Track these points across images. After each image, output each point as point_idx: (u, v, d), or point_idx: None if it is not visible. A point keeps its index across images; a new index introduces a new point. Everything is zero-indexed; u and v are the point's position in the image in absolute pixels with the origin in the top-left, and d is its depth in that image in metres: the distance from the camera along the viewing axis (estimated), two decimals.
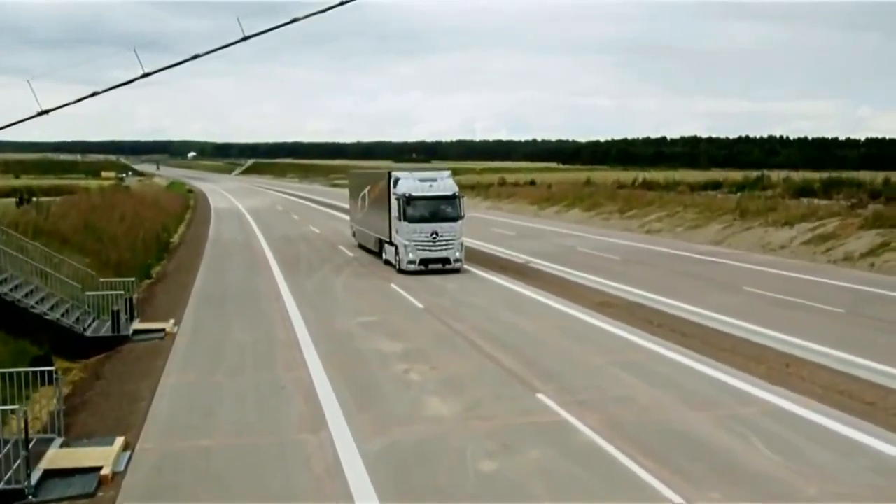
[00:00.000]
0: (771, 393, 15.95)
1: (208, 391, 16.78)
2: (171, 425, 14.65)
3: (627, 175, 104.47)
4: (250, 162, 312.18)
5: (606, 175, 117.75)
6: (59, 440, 13.58)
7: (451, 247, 32.41)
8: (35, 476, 11.94)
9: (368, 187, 40.34)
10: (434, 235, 32.17)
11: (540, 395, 16.09)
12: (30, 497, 11.63)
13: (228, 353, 20.10)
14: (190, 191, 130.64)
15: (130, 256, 37.75)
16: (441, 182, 33.42)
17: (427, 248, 32.19)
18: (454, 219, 32.66)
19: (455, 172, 38.11)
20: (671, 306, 26.69)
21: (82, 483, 11.96)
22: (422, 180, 33.44)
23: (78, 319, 22.42)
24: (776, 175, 76.73)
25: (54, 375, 14.22)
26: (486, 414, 14.88)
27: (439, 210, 32.72)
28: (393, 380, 17.36)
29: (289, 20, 18.95)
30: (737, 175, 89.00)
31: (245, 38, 18.57)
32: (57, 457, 12.83)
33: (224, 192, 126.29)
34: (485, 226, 56.03)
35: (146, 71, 18.74)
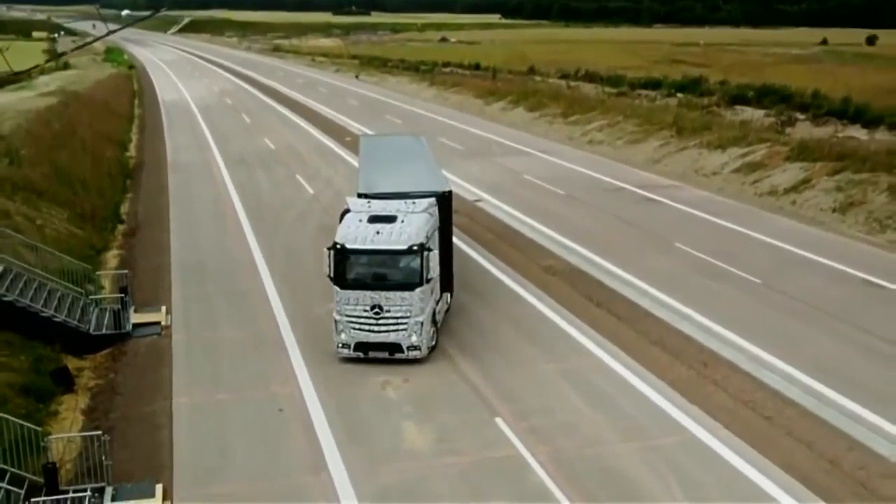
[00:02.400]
0: (689, 417, 19.39)
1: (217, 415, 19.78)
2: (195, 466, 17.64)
3: (568, 35, 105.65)
4: (186, 20, 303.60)
5: (548, 50, 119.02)
6: (109, 490, 16.52)
7: (402, 327, 21.51)
8: None
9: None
10: (376, 311, 21.78)
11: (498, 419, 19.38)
12: None
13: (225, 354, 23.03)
14: (131, 66, 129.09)
15: (102, 203, 39.75)
16: (399, 227, 21.86)
17: (366, 327, 21.61)
18: (411, 286, 21.37)
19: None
20: (609, 275, 29.97)
21: None
22: (373, 220, 22.20)
23: (81, 316, 24.94)
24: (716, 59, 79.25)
25: (101, 439, 16.87)
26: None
27: (387, 272, 21.70)
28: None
29: None
30: (677, 34, 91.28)
31: None
32: None
33: (166, 70, 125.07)
34: (432, 134, 58.01)
35: None
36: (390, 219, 22.18)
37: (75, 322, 24.32)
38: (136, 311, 26.12)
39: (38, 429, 17.33)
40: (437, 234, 23.19)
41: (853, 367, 22.24)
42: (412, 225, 21.92)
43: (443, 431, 18.82)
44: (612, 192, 43.69)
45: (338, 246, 21.65)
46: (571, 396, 20.56)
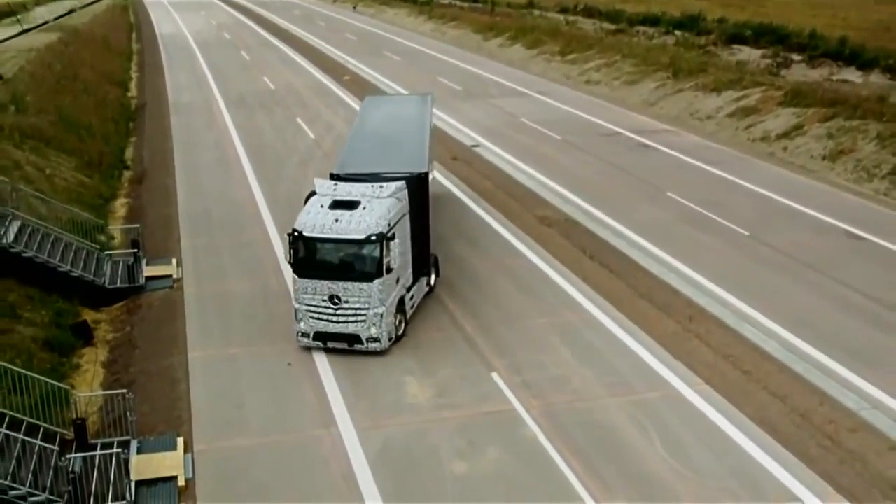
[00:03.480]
0: (673, 372, 20.73)
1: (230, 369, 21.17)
2: (213, 419, 19.01)
3: None
4: None
5: None
6: (134, 444, 17.91)
7: (361, 319, 20.96)
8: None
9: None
10: (334, 301, 21.24)
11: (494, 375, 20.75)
12: None
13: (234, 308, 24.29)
14: None
15: (108, 149, 40.66)
16: (360, 215, 21.03)
17: (324, 317, 21.10)
18: (369, 276, 20.73)
19: None
20: (602, 225, 31.14)
21: (168, 494, 16.47)
22: (334, 205, 21.44)
23: (96, 269, 26.13)
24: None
25: (126, 396, 18.19)
26: None
27: (345, 262, 21.06)
28: None
29: None
30: None
31: None
32: (139, 464, 17.22)
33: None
34: (430, 71, 58.53)
35: None
36: (352, 205, 21.31)
37: (91, 276, 25.52)
38: (147, 264, 27.24)
39: (67, 387, 18.56)
40: (406, 219, 22.29)
41: (830, 322, 23.52)
42: (374, 212, 20.97)
43: (442, 387, 20.14)
44: (608, 136, 44.54)
45: (295, 233, 20.92)
46: (562, 351, 21.85)
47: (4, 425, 16.99)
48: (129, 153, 43.27)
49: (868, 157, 38.25)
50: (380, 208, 21.24)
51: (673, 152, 41.03)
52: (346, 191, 22.22)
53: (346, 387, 20.27)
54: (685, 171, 38.06)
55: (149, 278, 26.40)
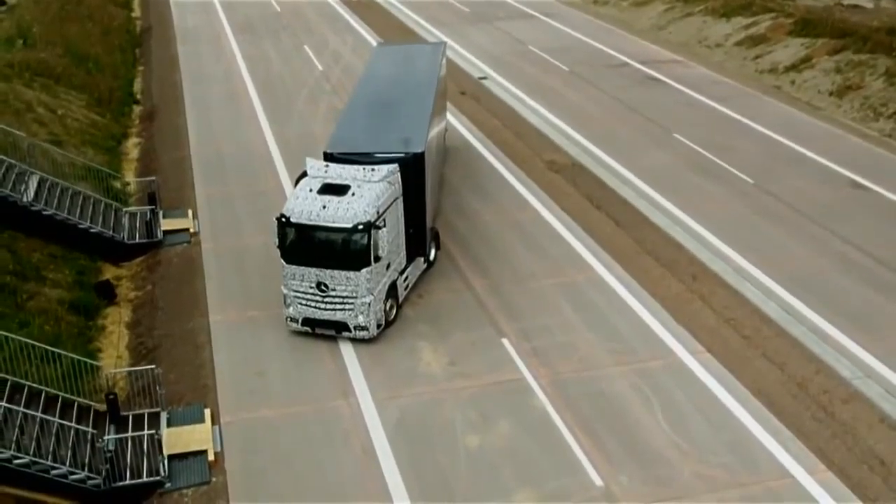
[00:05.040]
0: (675, 339, 21.59)
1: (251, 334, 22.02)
2: (237, 388, 19.99)
3: None
4: None
5: None
6: (164, 416, 18.93)
7: (348, 307, 20.83)
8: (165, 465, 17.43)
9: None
10: (322, 288, 21.22)
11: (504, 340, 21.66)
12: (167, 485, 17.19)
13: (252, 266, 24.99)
14: None
15: (116, 84, 40.84)
16: (348, 202, 20.60)
17: (312, 303, 21.00)
18: (356, 265, 20.44)
19: None
20: (609, 171, 31.74)
21: (199, 469, 17.55)
22: (323, 190, 21.01)
23: (115, 225, 26.81)
24: None
25: (155, 372, 19.10)
26: None
27: (332, 250, 20.60)
28: None
29: None
30: None
31: None
32: (170, 438, 18.26)
33: None
34: None
35: None
36: (342, 190, 20.84)
37: (110, 232, 26.23)
38: (164, 216, 27.88)
39: (98, 364, 19.48)
40: (399, 202, 21.93)
41: (829, 282, 24.31)
42: (363, 199, 20.51)
43: (455, 353, 21.02)
44: (616, 68, 44.54)
45: (283, 219, 20.57)
46: (569, 314, 22.69)
47: (41, 402, 17.93)
48: (137, 85, 43.37)
49: (875, 94, 38.44)
50: (369, 195, 20.78)
51: (681, 87, 41.13)
52: (337, 173, 21.65)
53: (362, 353, 21.14)
54: (692, 109, 38.30)
55: (166, 232, 27.05)
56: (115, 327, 23.32)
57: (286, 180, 30.62)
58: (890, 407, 19.37)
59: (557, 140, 34.85)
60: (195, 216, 28.27)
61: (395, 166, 22.02)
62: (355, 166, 21.87)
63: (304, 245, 20.76)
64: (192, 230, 27.31)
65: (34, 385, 18.22)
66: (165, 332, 22.53)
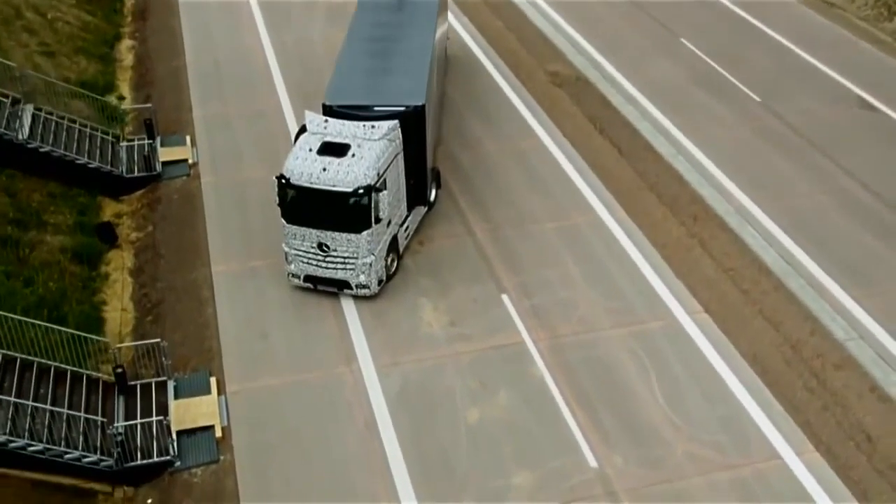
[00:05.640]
0: (673, 296, 21.84)
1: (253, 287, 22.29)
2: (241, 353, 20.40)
3: None
4: None
5: None
6: (171, 385, 19.44)
7: (349, 266, 21.07)
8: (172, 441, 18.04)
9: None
10: (323, 248, 21.33)
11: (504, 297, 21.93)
12: (176, 464, 17.85)
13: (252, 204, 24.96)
14: None
15: None
16: (349, 163, 20.48)
17: (313, 262, 21.23)
18: (357, 228, 20.58)
19: None
20: (613, 84, 31.27)
21: (208, 447, 18.18)
22: (323, 150, 20.79)
23: (113, 158, 26.62)
24: None
25: (160, 344, 19.44)
26: None
27: (333, 212, 20.60)
28: None
29: None
30: None
31: None
32: (178, 411, 18.82)
33: None
34: None
35: None
36: (342, 150, 20.62)
37: (108, 167, 26.05)
38: (162, 144, 27.60)
39: (106, 340, 19.80)
40: (399, 158, 21.74)
41: (829, 224, 24.40)
42: (363, 160, 20.38)
43: (455, 312, 21.30)
44: None
45: (283, 180, 20.48)
46: (569, 266, 22.86)
47: (51, 378, 18.39)
48: None
49: None
50: (370, 154, 20.61)
51: None
52: (337, 130, 21.28)
53: (363, 310, 21.46)
54: (702, 8, 37.09)
55: (165, 164, 26.84)
56: (119, 274, 23.53)
57: (285, 99, 30.20)
58: (881, 374, 19.81)
59: (560, 46, 34.08)
60: (193, 143, 27.90)
61: (395, 123, 21.63)
62: (355, 122, 21.48)
63: (305, 206, 20.73)
64: (190, 160, 27.03)
65: (43, 361, 18.54)
66: (168, 283, 22.76)
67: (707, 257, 23.27)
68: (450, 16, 33.62)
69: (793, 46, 33.66)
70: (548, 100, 30.44)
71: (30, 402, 17.00)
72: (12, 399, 16.86)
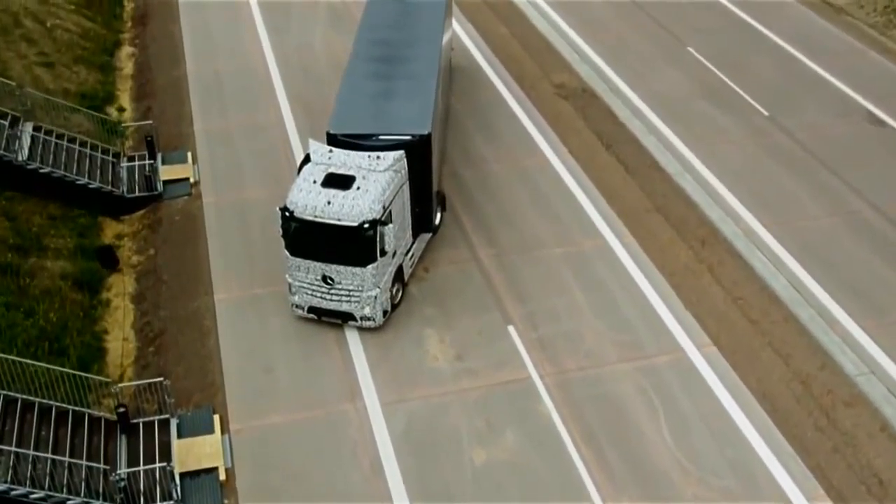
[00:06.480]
0: (682, 328, 21.58)
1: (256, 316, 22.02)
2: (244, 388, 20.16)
3: None
4: None
5: None
6: (174, 422, 19.22)
7: (354, 299, 20.74)
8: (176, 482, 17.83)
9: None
10: (327, 281, 20.87)
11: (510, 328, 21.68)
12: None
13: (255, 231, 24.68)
14: None
15: None
16: (353, 196, 20.07)
17: (317, 294, 20.91)
18: (362, 261, 20.18)
19: None
20: (619, 96, 30.96)
21: (212, 490, 17.98)
22: (327, 182, 20.39)
23: (114, 178, 26.31)
24: None
25: (162, 383, 19.20)
26: None
27: (338, 246, 20.19)
28: None
29: None
30: None
31: None
32: (181, 451, 18.61)
33: None
34: None
35: None
36: (346, 182, 20.22)
37: (109, 187, 25.75)
38: (163, 161, 27.27)
39: (108, 379, 19.56)
40: (405, 188, 21.40)
41: (840, 249, 24.15)
42: (369, 193, 19.98)
43: (461, 345, 21.06)
44: None
45: (287, 212, 20.13)
46: (576, 294, 22.60)
47: (52, 419, 18.18)
48: None
49: None
50: (376, 187, 20.23)
51: None
52: (342, 161, 20.96)
53: (368, 342, 21.21)
54: (708, 13, 36.65)
55: (166, 182, 26.52)
56: (120, 300, 23.28)
57: (287, 111, 29.84)
58: (891, 411, 19.63)
59: (566, 54, 33.72)
60: (195, 159, 27.57)
61: (401, 153, 21.23)
62: (360, 153, 21.13)
63: (309, 239, 20.35)
64: (192, 179, 26.72)
65: (43, 402, 18.33)
66: (170, 312, 22.51)
67: (716, 285, 23.01)
68: (455, 23, 33.18)
69: (799, 55, 33.29)
70: (553, 113, 30.07)
71: (31, 452, 16.74)
72: (13, 449, 16.54)
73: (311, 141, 21.92)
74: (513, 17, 36.50)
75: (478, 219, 25.04)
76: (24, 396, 18.22)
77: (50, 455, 17.06)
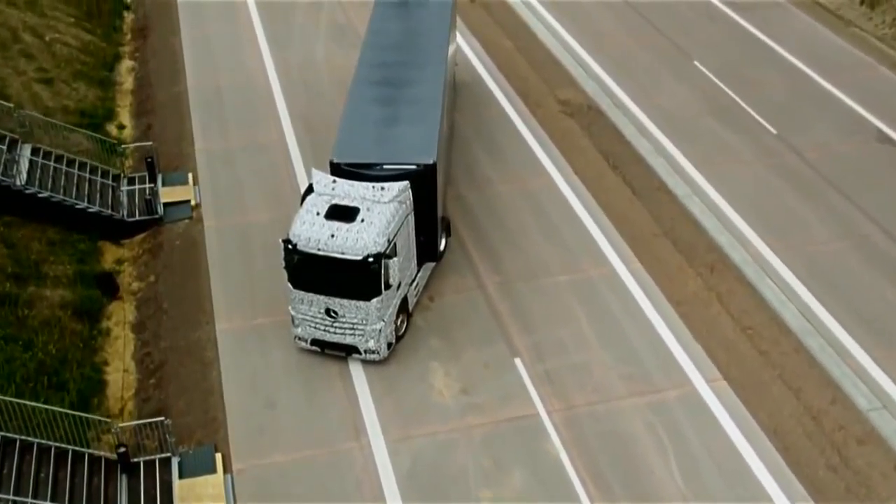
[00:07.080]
0: (691, 361, 21.23)
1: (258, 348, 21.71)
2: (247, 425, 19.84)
3: None
4: None
5: None
6: (175, 462, 18.91)
7: (358, 332, 20.36)
8: None
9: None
10: (331, 315, 20.52)
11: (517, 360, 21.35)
12: None
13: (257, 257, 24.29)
14: None
15: None
16: (357, 229, 19.69)
17: (321, 327, 20.56)
18: (366, 295, 19.79)
19: None
20: (625, 113, 30.61)
21: None
22: (331, 214, 20.00)
23: (114, 201, 25.97)
24: None
25: (163, 422, 18.88)
26: None
27: (341, 280, 19.78)
28: None
29: None
30: None
31: None
32: (182, 492, 18.30)
33: None
34: None
35: None
36: (350, 214, 19.84)
37: (109, 211, 25.42)
38: (164, 182, 26.92)
39: (107, 420, 19.24)
40: (410, 218, 21.07)
41: (850, 276, 23.75)
42: (373, 226, 19.60)
43: (466, 379, 20.72)
44: None
45: (289, 245, 19.76)
46: (583, 324, 22.26)
47: (52, 459, 17.88)
48: None
49: None
50: (379, 221, 19.85)
51: None
52: (345, 191, 20.56)
53: (372, 376, 20.88)
54: (714, 24, 36.25)
55: (167, 205, 26.18)
56: (120, 329, 22.96)
57: (289, 130, 29.50)
58: None
59: (571, 69, 33.32)
60: (196, 181, 27.22)
61: (405, 184, 20.86)
62: (364, 184, 20.75)
63: (312, 272, 19.99)
64: (193, 201, 26.38)
65: (42, 442, 18.01)
66: (171, 342, 22.19)
67: (725, 314, 22.67)
68: (458, 36, 32.79)
69: (807, 69, 32.90)
70: (559, 131, 29.71)
71: (29, 500, 16.40)
72: (10, 497, 16.25)
73: (313, 171, 21.57)
74: (518, 29, 36.09)
75: (483, 244, 24.69)
76: (23, 437, 17.86)
77: (49, 503, 16.68)
